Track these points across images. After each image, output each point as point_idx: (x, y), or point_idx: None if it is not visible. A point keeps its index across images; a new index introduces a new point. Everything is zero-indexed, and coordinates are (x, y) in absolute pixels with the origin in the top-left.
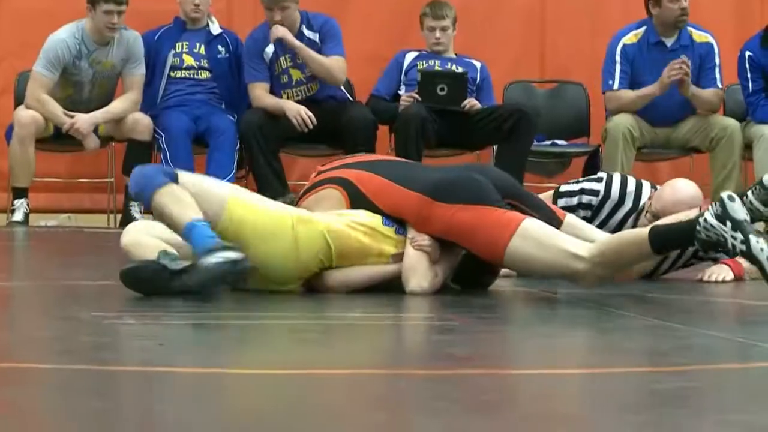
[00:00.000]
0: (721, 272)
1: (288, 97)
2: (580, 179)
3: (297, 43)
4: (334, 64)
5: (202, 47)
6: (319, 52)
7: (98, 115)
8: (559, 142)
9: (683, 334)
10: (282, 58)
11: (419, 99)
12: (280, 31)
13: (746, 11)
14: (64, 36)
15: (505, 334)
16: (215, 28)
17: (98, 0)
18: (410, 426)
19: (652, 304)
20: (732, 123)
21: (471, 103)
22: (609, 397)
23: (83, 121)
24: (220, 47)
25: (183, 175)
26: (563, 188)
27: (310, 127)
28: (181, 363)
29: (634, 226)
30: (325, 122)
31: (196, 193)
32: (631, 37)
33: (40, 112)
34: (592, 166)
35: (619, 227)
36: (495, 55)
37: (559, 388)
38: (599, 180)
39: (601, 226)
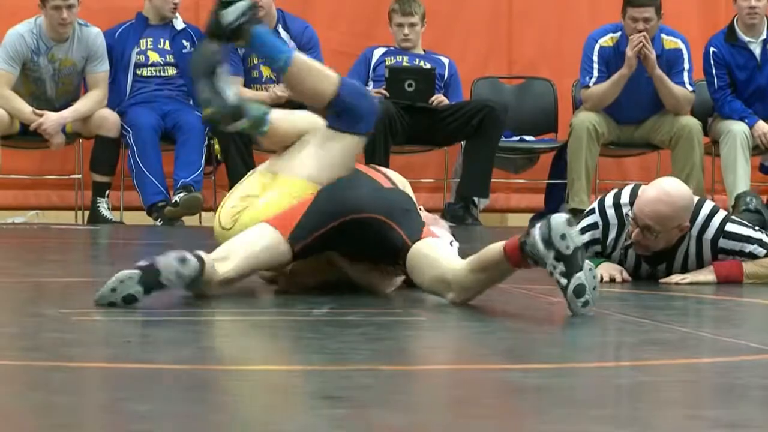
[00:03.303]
0: (692, 276)
1: (256, 92)
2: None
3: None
4: None
5: (167, 42)
6: None
7: (66, 114)
8: (527, 137)
9: (648, 329)
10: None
11: (387, 95)
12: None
13: (711, 7)
14: (21, 30)
15: (472, 330)
16: (179, 23)
17: None
18: (371, 421)
19: (618, 300)
20: (692, 122)
21: (439, 99)
22: (574, 391)
23: (51, 121)
24: (184, 42)
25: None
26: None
27: (282, 102)
28: (148, 359)
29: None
30: None
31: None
32: (607, 40)
33: (3, 108)
34: (559, 162)
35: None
36: (463, 51)
37: (523, 383)
38: (591, 212)
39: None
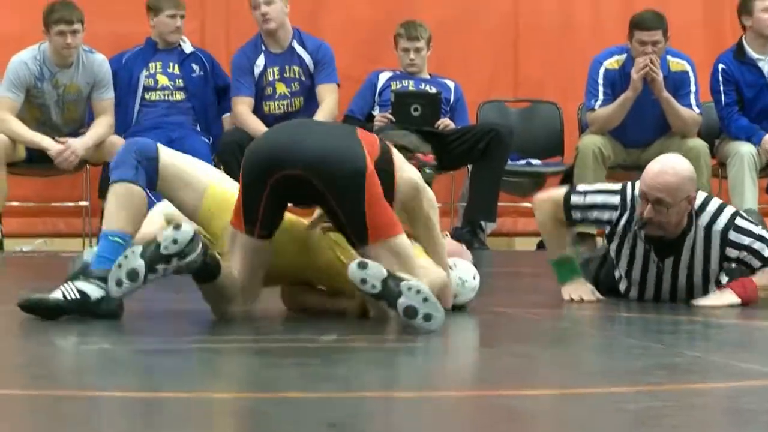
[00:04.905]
0: (716, 299)
1: (269, 109)
2: (597, 188)
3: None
4: (327, 110)
5: (176, 66)
6: (310, 74)
7: (87, 140)
8: (534, 161)
9: (657, 354)
10: (270, 70)
11: (393, 120)
12: None
13: (716, 27)
14: (24, 57)
15: (479, 355)
16: (188, 47)
17: (50, 22)
18: None
19: (627, 323)
20: (699, 144)
21: (445, 123)
22: (580, 417)
23: (78, 145)
24: (194, 65)
25: (165, 157)
26: (575, 199)
27: None
28: (159, 388)
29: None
30: None
31: (175, 178)
32: (612, 63)
33: (7, 135)
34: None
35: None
36: (469, 74)
37: (529, 409)
38: (615, 192)
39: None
